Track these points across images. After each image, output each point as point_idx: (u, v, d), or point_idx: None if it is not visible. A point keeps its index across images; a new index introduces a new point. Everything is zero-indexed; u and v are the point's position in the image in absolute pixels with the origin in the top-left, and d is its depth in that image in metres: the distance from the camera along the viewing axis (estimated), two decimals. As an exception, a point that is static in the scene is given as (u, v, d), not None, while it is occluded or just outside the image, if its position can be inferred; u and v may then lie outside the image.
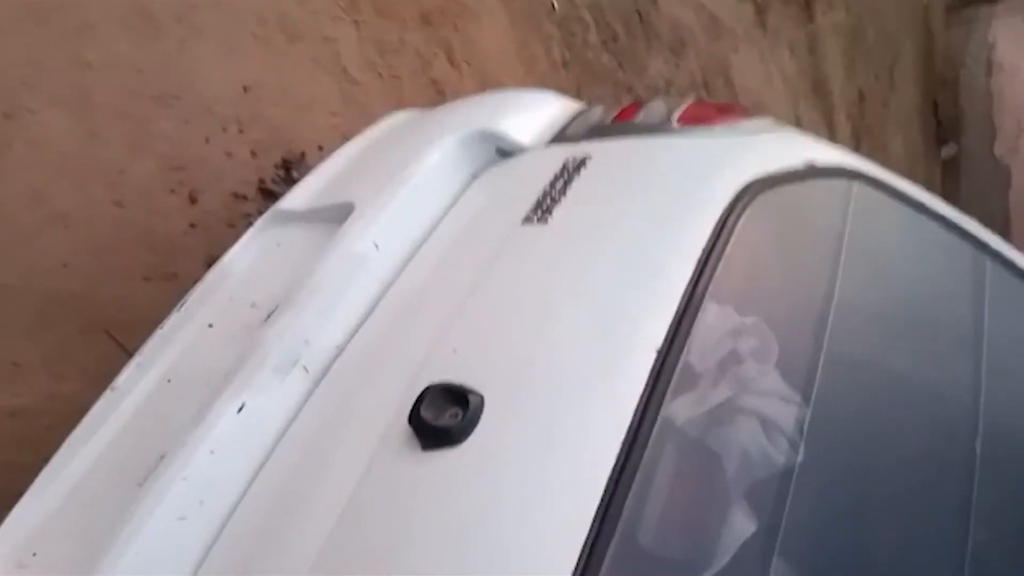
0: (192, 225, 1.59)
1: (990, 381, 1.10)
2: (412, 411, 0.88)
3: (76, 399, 1.10)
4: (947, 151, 6.11)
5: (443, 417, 0.87)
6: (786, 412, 0.94)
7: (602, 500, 0.78)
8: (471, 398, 0.87)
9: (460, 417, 0.87)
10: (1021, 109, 5.78)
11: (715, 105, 1.22)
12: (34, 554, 0.94)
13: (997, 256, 1.27)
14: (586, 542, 0.76)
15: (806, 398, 0.96)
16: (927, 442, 1.05)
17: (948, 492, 1.05)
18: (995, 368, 1.11)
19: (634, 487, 0.81)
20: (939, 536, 1.03)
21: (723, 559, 0.85)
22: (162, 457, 0.92)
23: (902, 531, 1.01)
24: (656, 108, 1.18)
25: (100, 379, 1.10)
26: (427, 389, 0.89)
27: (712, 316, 0.95)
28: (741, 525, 0.87)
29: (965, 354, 1.12)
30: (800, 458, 0.93)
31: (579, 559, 0.75)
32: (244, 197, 1.69)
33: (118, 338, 1.40)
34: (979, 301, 1.17)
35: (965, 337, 1.14)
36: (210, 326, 1.14)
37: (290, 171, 1.74)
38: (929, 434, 1.06)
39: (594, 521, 0.77)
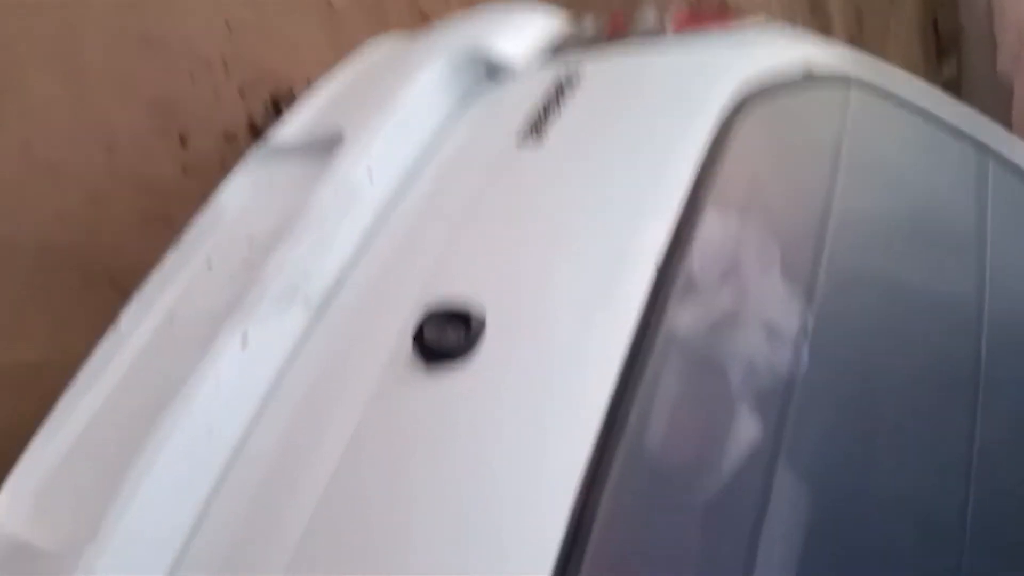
0: (184, 168, 1.57)
1: (994, 284, 1.10)
2: (416, 333, 0.88)
3: (84, 349, 1.10)
4: (948, 69, 5.98)
5: (447, 337, 0.88)
6: (789, 320, 0.94)
7: (607, 412, 0.79)
8: (473, 317, 0.87)
9: (464, 336, 0.87)
10: (1022, 23, 5.64)
11: (708, 10, 1.19)
12: (48, 496, 0.95)
13: (1000, 157, 1.25)
14: (593, 453, 0.76)
15: (809, 305, 0.96)
16: (932, 346, 1.05)
17: (954, 395, 1.05)
18: (999, 271, 1.10)
19: (638, 399, 0.81)
20: (946, 439, 1.04)
21: (729, 466, 0.86)
22: (168, 393, 0.93)
23: (909, 435, 1.02)
24: (648, 17, 1.15)
25: (106, 328, 1.10)
26: (429, 311, 0.89)
27: (711, 227, 0.95)
28: (746, 433, 0.88)
29: (969, 258, 1.11)
30: (805, 365, 0.93)
31: (585, 469, 0.75)
32: (235, 137, 1.66)
33: (121, 285, 1.39)
34: (982, 205, 1.16)
35: (969, 241, 1.13)
36: (208, 264, 1.13)
37: (279, 108, 1.71)
38: (934, 339, 1.06)
39: (600, 432, 0.77)
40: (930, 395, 1.02)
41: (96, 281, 1.41)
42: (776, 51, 1.16)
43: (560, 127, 1.05)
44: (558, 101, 1.09)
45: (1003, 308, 1.08)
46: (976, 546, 0.99)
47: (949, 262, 1.10)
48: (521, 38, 1.22)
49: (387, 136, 1.10)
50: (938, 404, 1.04)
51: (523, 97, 1.12)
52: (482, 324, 0.87)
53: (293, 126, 1.27)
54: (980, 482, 1.02)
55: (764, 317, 0.93)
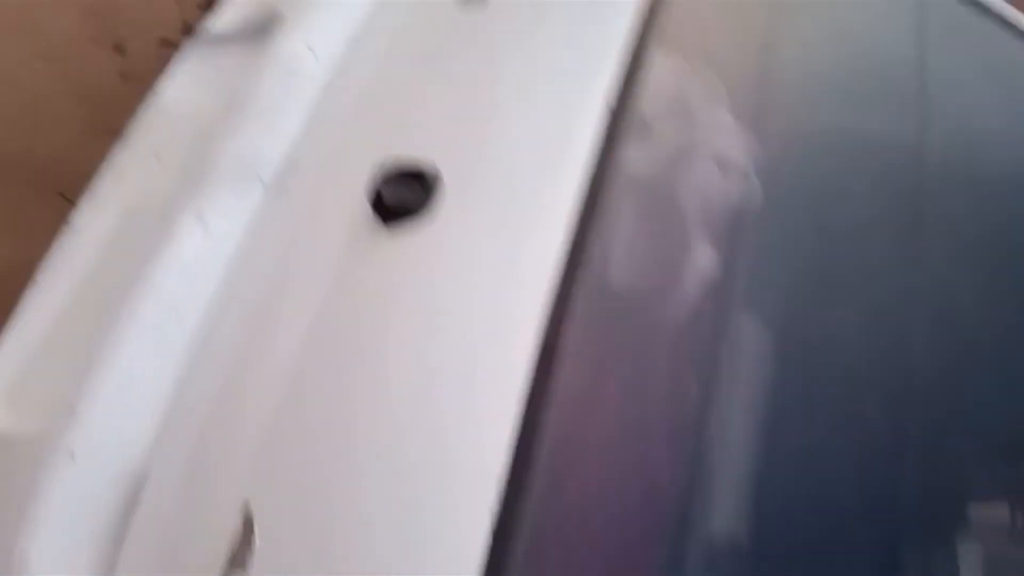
0: (123, 75, 1.53)
1: (938, 117, 1.12)
2: (372, 196, 0.88)
3: (40, 258, 1.08)
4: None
5: (404, 196, 0.88)
6: (741, 153, 0.96)
7: (568, 246, 0.80)
8: (429, 174, 0.88)
9: (421, 193, 0.87)
10: None
11: None
12: (20, 389, 0.96)
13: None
14: (557, 289, 0.78)
15: (759, 142, 0.97)
16: (880, 179, 1.07)
17: (901, 227, 1.08)
18: (943, 104, 1.12)
19: (597, 237, 0.83)
20: (895, 273, 1.06)
21: (690, 300, 0.89)
22: (131, 278, 0.92)
23: (859, 271, 1.05)
24: None
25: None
26: (384, 173, 0.89)
27: (660, 68, 0.95)
28: (704, 267, 0.90)
29: (914, 91, 1.13)
30: (759, 199, 0.95)
31: (551, 304, 0.77)
32: (171, 43, 1.61)
33: (70, 196, 1.37)
34: (926, 39, 1.17)
35: (914, 76, 1.14)
36: (157, 157, 1.11)
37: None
38: (882, 172, 1.08)
39: (563, 270, 0.79)
40: (879, 227, 1.05)
41: (46, 192, 1.38)
42: None
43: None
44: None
45: (947, 140, 1.10)
46: (926, 381, 1.04)
47: (895, 96, 1.11)
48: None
49: (325, 11, 1.08)
50: (886, 237, 1.07)
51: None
52: (438, 179, 0.87)
53: (228, 14, 1.23)
54: (928, 315, 1.06)
55: (716, 153, 0.94)
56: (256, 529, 0.73)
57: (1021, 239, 1.17)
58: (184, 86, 1.18)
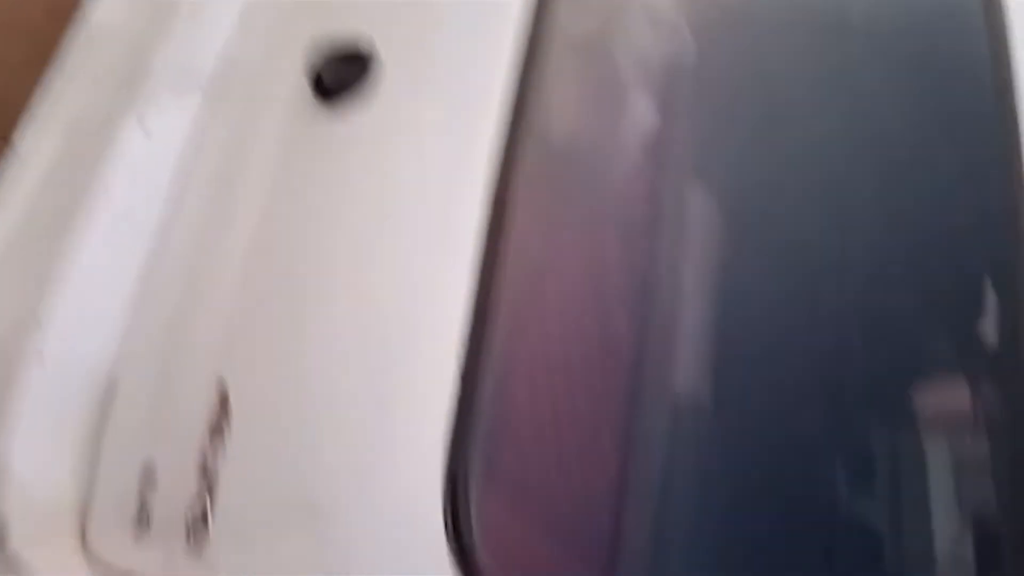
0: (48, 12, 1.49)
1: None
2: (313, 77, 0.89)
3: None
4: None
5: (343, 72, 0.89)
6: (673, 10, 0.97)
7: (510, 109, 0.81)
8: (365, 49, 0.89)
9: (360, 68, 0.88)
10: None
11: None
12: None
13: None
14: (504, 145, 0.79)
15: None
16: (811, 32, 1.08)
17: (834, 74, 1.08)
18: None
19: (538, 96, 0.84)
20: (834, 115, 1.07)
21: (632, 154, 0.90)
22: (81, 191, 0.92)
23: (801, 122, 1.06)
24: None
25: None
26: (321, 53, 0.89)
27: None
28: (644, 120, 0.91)
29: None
30: (693, 54, 0.96)
31: (498, 161, 0.79)
32: (96, -23, 1.57)
33: (8, 136, 1.34)
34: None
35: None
36: (94, 77, 1.10)
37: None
38: (812, 24, 1.09)
39: (506, 129, 0.80)
40: (810, 80, 1.04)
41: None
42: None
43: None
44: None
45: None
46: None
47: None
48: None
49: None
50: (818, 93, 1.06)
51: None
52: (375, 54, 0.88)
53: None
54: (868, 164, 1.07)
55: (649, 11, 0.95)
56: (231, 399, 0.75)
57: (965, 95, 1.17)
58: (111, 9, 1.16)
